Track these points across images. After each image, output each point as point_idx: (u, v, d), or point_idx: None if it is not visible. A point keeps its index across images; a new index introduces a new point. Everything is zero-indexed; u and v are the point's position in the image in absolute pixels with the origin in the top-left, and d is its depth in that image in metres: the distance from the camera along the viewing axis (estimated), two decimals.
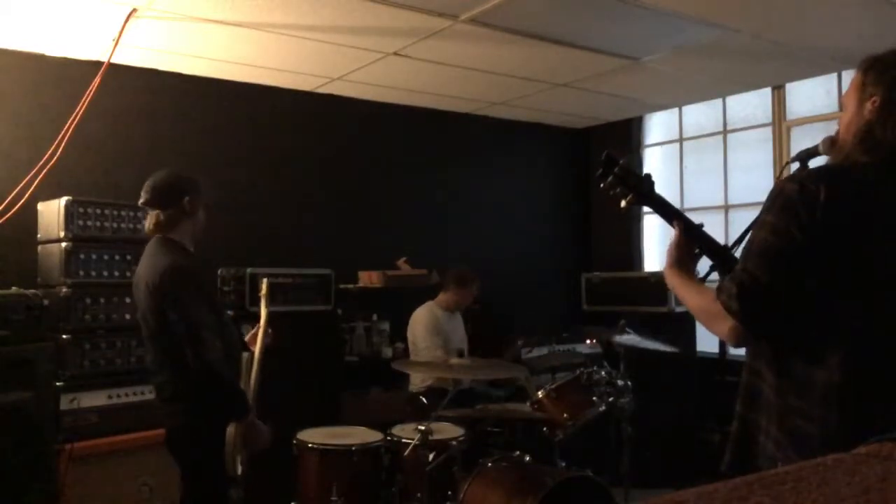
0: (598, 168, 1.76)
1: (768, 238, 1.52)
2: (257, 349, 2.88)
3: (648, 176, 1.79)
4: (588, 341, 4.93)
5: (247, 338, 3.04)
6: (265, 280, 3.09)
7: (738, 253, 1.86)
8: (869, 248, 1.50)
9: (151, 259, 2.66)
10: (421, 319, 4.50)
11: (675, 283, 1.75)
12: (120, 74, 4.14)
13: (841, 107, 1.73)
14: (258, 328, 3.00)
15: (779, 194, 1.54)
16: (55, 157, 3.67)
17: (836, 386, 1.46)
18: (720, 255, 1.78)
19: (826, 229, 1.47)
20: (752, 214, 1.88)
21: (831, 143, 1.71)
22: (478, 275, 4.67)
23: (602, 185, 1.77)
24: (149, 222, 2.74)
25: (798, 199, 1.49)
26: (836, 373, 1.46)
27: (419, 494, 3.11)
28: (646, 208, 5.81)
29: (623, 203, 1.79)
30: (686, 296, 1.71)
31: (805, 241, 1.48)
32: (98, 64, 3.91)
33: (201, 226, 2.82)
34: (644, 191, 1.78)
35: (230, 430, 2.57)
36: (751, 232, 1.60)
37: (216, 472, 2.59)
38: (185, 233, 2.75)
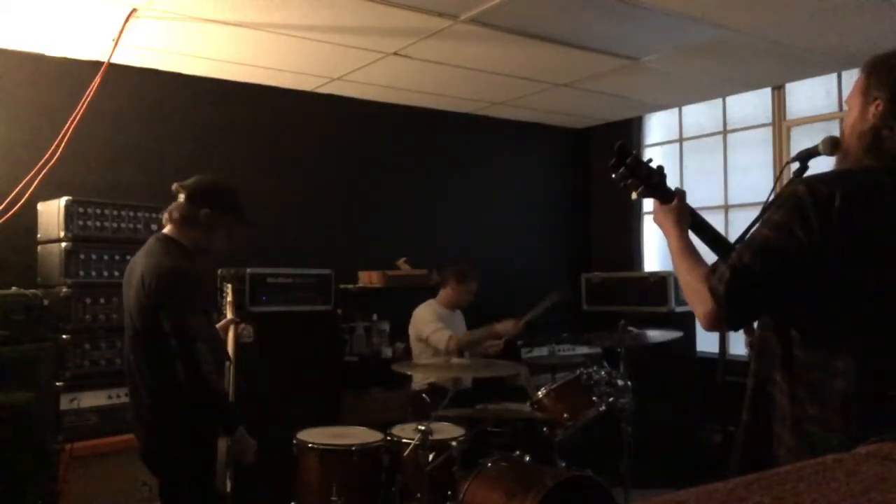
0: (611, 158, 1.76)
1: (770, 235, 1.50)
2: (230, 355, 2.83)
3: (661, 168, 1.79)
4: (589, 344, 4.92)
5: (217, 326, 2.94)
6: (229, 286, 3.07)
7: None
8: (883, 252, 1.48)
9: (152, 257, 2.53)
10: (421, 314, 4.47)
11: (674, 246, 1.73)
12: (120, 74, 4.14)
13: (843, 107, 1.73)
14: (225, 323, 2.97)
15: (790, 195, 1.52)
16: (55, 157, 3.67)
17: (855, 393, 1.44)
18: (727, 248, 1.77)
19: (841, 234, 1.45)
20: (752, 214, 1.88)
21: (832, 144, 1.69)
22: (477, 271, 4.59)
23: (614, 176, 1.76)
24: (169, 207, 2.63)
25: (810, 203, 1.47)
26: (854, 379, 1.44)
27: (419, 494, 3.11)
28: (645, 208, 5.81)
29: (634, 195, 1.79)
30: (680, 264, 1.69)
31: (809, 244, 1.45)
32: (98, 64, 3.91)
33: (212, 246, 2.67)
34: (655, 183, 1.77)
35: (221, 446, 2.50)
36: (754, 227, 1.58)
37: (200, 488, 2.51)
38: (192, 240, 2.62)
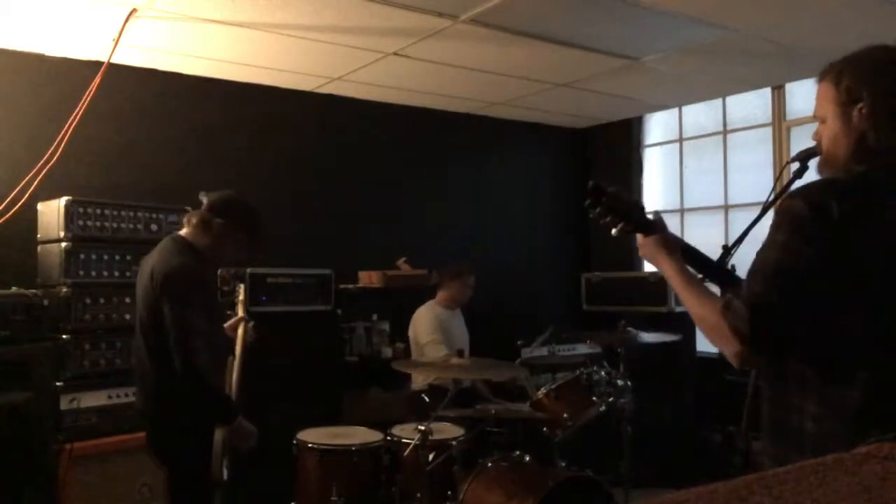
0: (586, 198, 1.69)
1: (779, 258, 1.44)
2: (237, 352, 2.90)
3: (638, 202, 1.74)
4: (588, 342, 4.92)
5: (227, 325, 3.04)
6: (241, 286, 3.11)
7: (736, 257, 1.84)
8: (890, 255, 1.43)
9: (164, 254, 2.69)
10: (422, 318, 4.49)
11: (673, 278, 1.67)
12: (120, 74, 4.13)
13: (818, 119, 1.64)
14: (235, 321, 3.02)
15: (786, 212, 1.46)
16: (55, 157, 3.67)
17: (879, 409, 1.39)
18: (719, 272, 1.74)
19: (844, 245, 1.41)
20: (751, 214, 1.86)
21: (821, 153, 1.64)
22: (473, 268, 4.64)
23: (591, 216, 1.71)
24: (188, 216, 2.81)
25: (809, 217, 1.42)
26: (877, 394, 1.39)
27: (419, 494, 3.11)
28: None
29: (614, 231, 1.73)
30: (687, 298, 1.62)
31: (818, 259, 1.41)
32: (98, 64, 3.91)
33: (221, 253, 2.84)
34: (635, 218, 1.72)
35: (217, 435, 2.58)
36: (758, 252, 1.50)
37: (200, 475, 2.59)
38: (203, 245, 2.77)
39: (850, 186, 1.50)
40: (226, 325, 3.03)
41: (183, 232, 2.80)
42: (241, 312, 3.04)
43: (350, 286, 4.77)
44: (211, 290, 2.87)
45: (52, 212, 3.56)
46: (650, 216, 1.77)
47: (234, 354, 2.90)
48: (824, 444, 1.42)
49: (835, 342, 1.45)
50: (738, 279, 1.70)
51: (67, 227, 3.47)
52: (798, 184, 1.80)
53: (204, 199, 2.79)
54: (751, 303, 1.42)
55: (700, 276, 1.72)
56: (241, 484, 2.80)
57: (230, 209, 2.79)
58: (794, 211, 1.45)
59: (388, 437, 3.34)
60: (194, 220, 2.76)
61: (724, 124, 5.49)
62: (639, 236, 1.77)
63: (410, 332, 4.55)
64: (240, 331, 2.97)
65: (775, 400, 1.55)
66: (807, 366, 1.48)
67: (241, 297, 3.09)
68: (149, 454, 2.77)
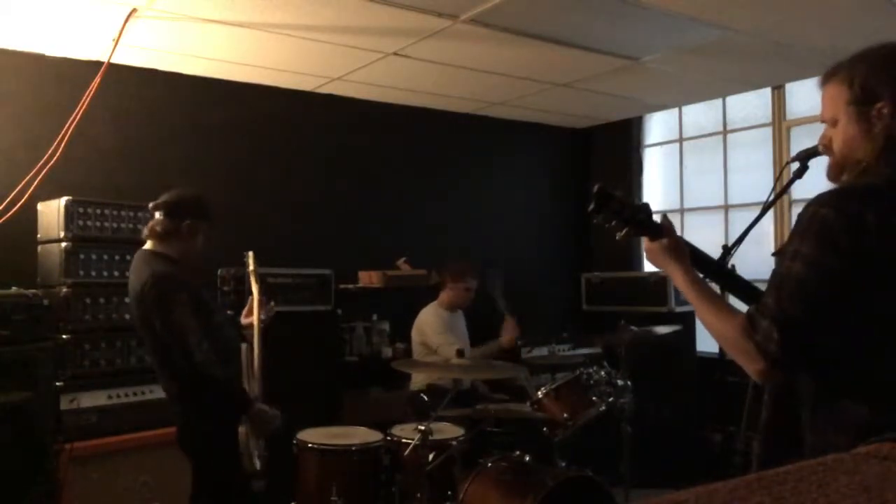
0: (590, 202, 1.63)
1: (803, 272, 1.36)
2: (255, 328, 2.92)
3: (646, 205, 1.67)
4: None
5: (242, 315, 3.08)
6: (250, 253, 3.10)
7: (736, 257, 1.83)
8: None
9: (136, 272, 2.79)
10: (428, 321, 4.46)
11: (684, 287, 1.61)
12: (120, 74, 4.13)
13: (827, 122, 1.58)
14: (250, 303, 3.02)
15: (812, 220, 1.37)
16: (55, 157, 3.66)
17: (885, 423, 1.32)
18: (730, 279, 1.71)
19: (877, 256, 1.33)
20: (751, 214, 1.86)
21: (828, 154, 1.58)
22: (477, 271, 4.61)
23: (595, 221, 1.64)
24: (148, 225, 2.87)
25: (838, 226, 1.34)
26: (885, 409, 1.35)
27: (419, 494, 3.11)
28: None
29: (619, 235, 1.67)
30: (700, 308, 1.54)
31: (846, 271, 1.33)
32: (98, 64, 3.91)
33: (195, 251, 2.90)
34: (641, 220, 1.65)
35: (241, 427, 2.65)
36: (781, 261, 1.42)
37: (225, 469, 2.68)
38: (174, 249, 2.85)
39: (885, 193, 1.40)
40: (242, 317, 3.09)
41: (148, 245, 2.86)
42: (254, 288, 3.03)
43: (350, 286, 4.77)
44: (194, 289, 2.83)
45: (52, 212, 3.56)
46: (657, 219, 1.70)
47: (249, 342, 2.94)
48: (825, 454, 1.40)
49: (852, 358, 1.39)
50: (753, 288, 1.66)
51: (67, 227, 3.47)
52: (798, 184, 1.79)
53: (157, 209, 2.85)
54: (780, 322, 1.35)
55: (707, 279, 1.65)
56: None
57: (189, 206, 2.86)
58: (822, 220, 1.36)
59: (388, 437, 3.34)
60: (159, 230, 2.82)
61: (724, 124, 5.50)
62: (645, 241, 1.69)
63: (414, 335, 4.51)
64: (255, 311, 2.97)
65: (775, 407, 1.52)
66: (814, 377, 1.44)
67: (251, 267, 3.08)
68: (180, 449, 2.88)
